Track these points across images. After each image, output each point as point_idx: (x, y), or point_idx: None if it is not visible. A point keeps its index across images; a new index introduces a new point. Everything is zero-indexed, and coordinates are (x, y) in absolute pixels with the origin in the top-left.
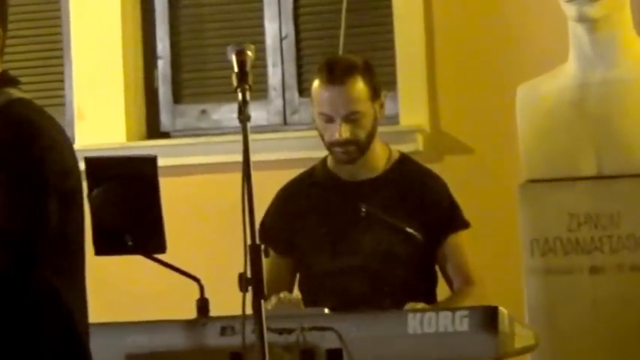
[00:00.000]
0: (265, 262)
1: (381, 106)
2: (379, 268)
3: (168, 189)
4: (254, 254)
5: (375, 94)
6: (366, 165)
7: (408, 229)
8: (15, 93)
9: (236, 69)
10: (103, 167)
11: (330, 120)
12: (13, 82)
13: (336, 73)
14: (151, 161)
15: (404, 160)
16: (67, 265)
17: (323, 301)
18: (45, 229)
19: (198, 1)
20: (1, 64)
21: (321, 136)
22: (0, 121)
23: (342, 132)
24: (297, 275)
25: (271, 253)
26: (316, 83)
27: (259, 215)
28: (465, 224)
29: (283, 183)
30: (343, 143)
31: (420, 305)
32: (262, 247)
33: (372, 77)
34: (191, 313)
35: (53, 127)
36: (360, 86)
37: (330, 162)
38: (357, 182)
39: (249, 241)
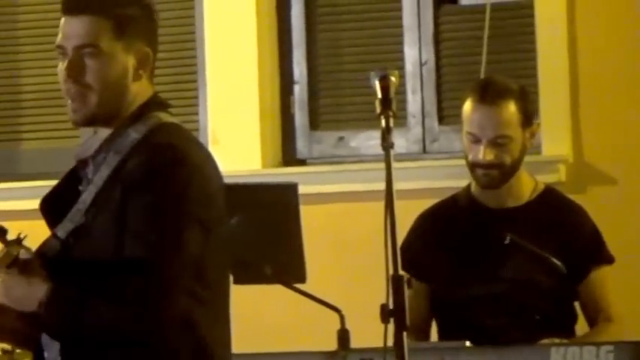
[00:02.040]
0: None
1: (532, 134)
2: (520, 298)
3: (305, 217)
4: (396, 285)
5: (526, 121)
6: (511, 193)
7: (553, 259)
8: (164, 117)
9: (379, 95)
10: (241, 194)
11: (476, 140)
12: (163, 105)
13: (489, 93)
14: (292, 188)
15: (549, 191)
16: (206, 296)
17: (460, 330)
18: (183, 257)
19: (337, 26)
20: (152, 87)
21: (466, 157)
22: (146, 145)
23: (486, 154)
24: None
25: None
26: (468, 101)
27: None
28: (609, 259)
29: (420, 213)
30: (486, 166)
31: (558, 340)
32: (405, 277)
33: (526, 103)
34: (330, 345)
35: (199, 153)
36: (511, 110)
37: (474, 188)
38: (501, 210)
39: (391, 271)
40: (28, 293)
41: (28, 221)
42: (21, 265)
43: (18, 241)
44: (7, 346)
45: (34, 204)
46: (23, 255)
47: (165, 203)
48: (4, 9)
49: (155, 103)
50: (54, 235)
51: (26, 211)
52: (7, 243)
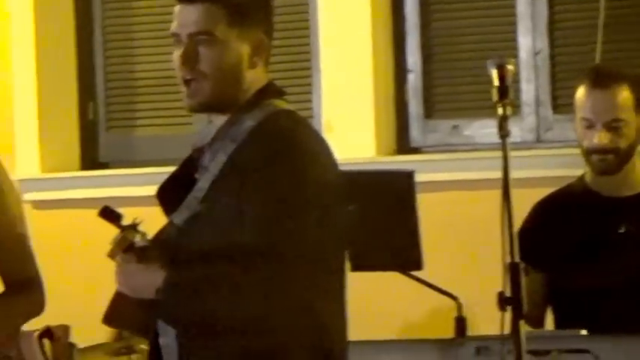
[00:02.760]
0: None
1: None
2: (635, 287)
3: (419, 205)
4: (514, 273)
5: None
6: (626, 181)
7: None
8: (279, 104)
9: (496, 83)
10: (358, 181)
11: (590, 125)
12: (278, 93)
13: (603, 77)
14: (409, 176)
15: None
16: (325, 283)
17: (575, 319)
18: (301, 245)
19: (451, 14)
20: (267, 74)
21: (580, 145)
22: (262, 132)
23: (602, 138)
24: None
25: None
26: (581, 88)
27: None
28: None
29: (534, 202)
30: (602, 150)
31: None
32: (522, 265)
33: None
34: (447, 332)
35: (315, 140)
36: (625, 94)
37: (588, 177)
38: (616, 199)
39: (508, 259)
40: (146, 281)
41: (143, 208)
42: (138, 252)
43: (133, 226)
44: (122, 333)
45: (149, 190)
46: (139, 240)
47: (282, 190)
48: None
49: (270, 91)
50: (170, 223)
51: (141, 197)
52: (122, 228)
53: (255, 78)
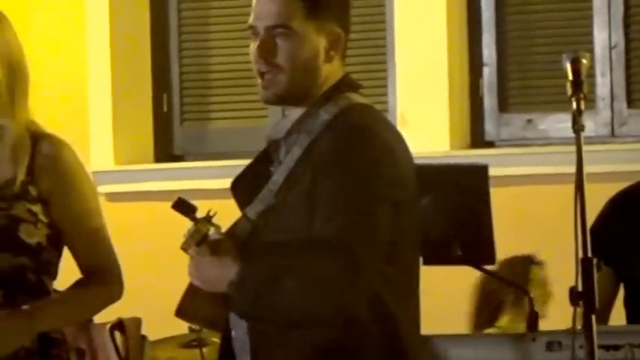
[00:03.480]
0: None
1: None
2: None
3: (492, 199)
4: (586, 268)
5: None
6: None
7: None
8: (355, 98)
9: (570, 77)
10: (431, 175)
11: None
12: (354, 86)
13: None
14: (483, 170)
15: None
16: (399, 277)
17: None
18: (375, 238)
19: (526, 8)
20: (343, 68)
21: None
22: (337, 126)
23: None
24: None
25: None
26: None
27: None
28: None
29: (608, 196)
30: None
31: None
32: (595, 260)
33: None
34: None
35: (390, 134)
36: None
37: None
38: None
39: (581, 254)
40: (219, 274)
41: (217, 200)
42: (212, 245)
43: (207, 219)
44: (193, 326)
45: (223, 183)
46: (213, 233)
47: (356, 184)
48: None
49: (346, 85)
50: (244, 216)
51: (215, 190)
52: (196, 220)
53: (331, 71)
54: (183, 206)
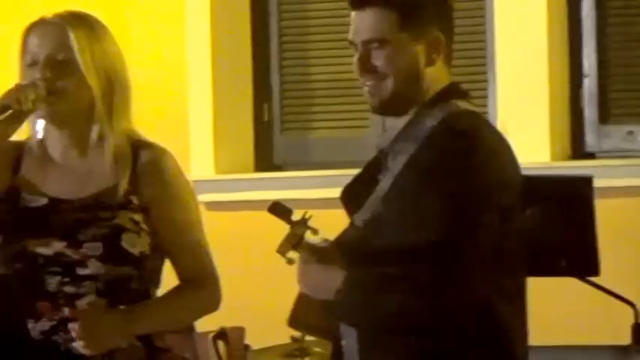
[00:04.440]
0: None
1: None
2: None
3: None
4: None
5: None
6: None
7: None
8: (462, 105)
9: None
10: (535, 186)
11: None
12: (462, 94)
13: None
14: (587, 181)
15: None
16: (505, 285)
17: None
18: (480, 245)
19: (629, 19)
20: (449, 76)
21: None
22: (442, 132)
23: None
24: None
25: None
26: None
27: None
28: None
29: None
30: None
31: None
32: None
33: None
34: (623, 339)
35: (496, 140)
36: None
37: None
38: None
39: None
40: (326, 282)
41: (317, 210)
42: (319, 253)
43: (303, 222)
44: (296, 334)
45: (323, 193)
46: (310, 237)
47: (461, 190)
48: None
49: (453, 91)
50: (352, 224)
51: (315, 199)
52: (292, 223)
53: (435, 77)
54: (279, 209)
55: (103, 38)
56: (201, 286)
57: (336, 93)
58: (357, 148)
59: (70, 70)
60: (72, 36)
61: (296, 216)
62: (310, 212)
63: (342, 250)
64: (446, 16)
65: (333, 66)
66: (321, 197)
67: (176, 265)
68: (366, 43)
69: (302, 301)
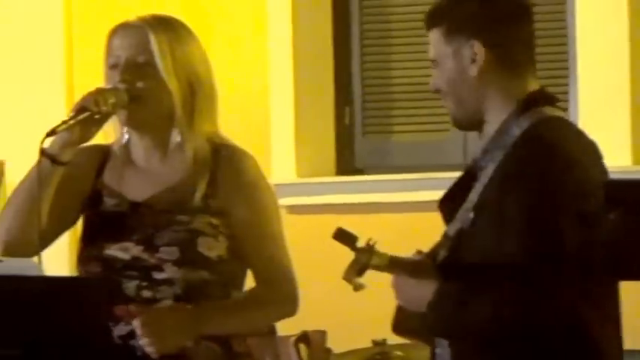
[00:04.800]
0: None
1: None
2: None
3: None
4: None
5: None
6: None
7: None
8: (550, 111)
9: None
10: (619, 189)
11: None
12: (549, 99)
13: None
14: None
15: None
16: (593, 291)
17: None
18: (564, 252)
19: None
20: (530, 82)
21: None
22: (526, 140)
23: None
24: None
25: None
26: None
27: None
28: None
29: None
30: None
31: None
32: None
33: None
34: None
35: (580, 146)
36: None
37: None
38: None
39: None
40: (419, 294)
41: (398, 214)
42: (411, 266)
43: (368, 248)
44: (377, 337)
45: (404, 196)
46: (375, 262)
47: (540, 198)
48: (382, 1)
49: (539, 98)
50: (445, 234)
51: (397, 203)
52: (357, 250)
53: (502, 86)
54: (343, 236)
55: (185, 42)
56: (276, 287)
57: (417, 96)
58: (438, 151)
59: (150, 73)
60: (153, 39)
61: (361, 242)
62: (392, 216)
63: (434, 262)
64: (489, 27)
65: (414, 69)
66: (401, 201)
67: (252, 266)
68: (432, 62)
69: (402, 307)
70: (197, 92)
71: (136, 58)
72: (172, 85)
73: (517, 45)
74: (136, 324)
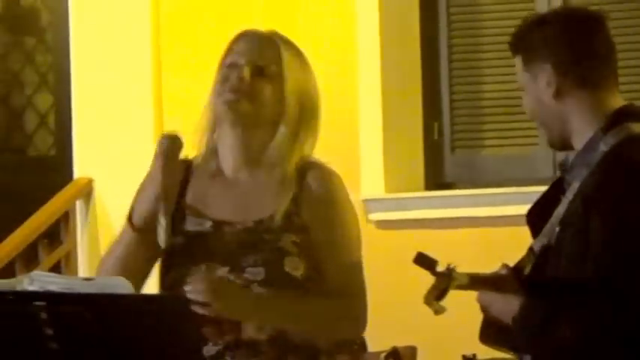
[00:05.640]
0: None
1: None
2: None
3: None
4: None
5: None
6: None
7: None
8: (636, 128)
9: None
10: None
11: None
12: (638, 116)
13: None
14: None
15: None
16: None
17: None
18: None
19: None
20: (614, 99)
21: None
22: (610, 159)
23: None
24: None
25: None
26: None
27: None
28: None
29: None
30: None
31: None
32: None
33: None
34: None
35: None
36: None
37: None
38: None
39: None
40: (503, 309)
41: (488, 228)
42: (496, 281)
43: (447, 273)
44: (467, 352)
45: (494, 211)
46: (455, 283)
47: (622, 222)
48: (470, 16)
49: (627, 114)
50: (530, 249)
51: (485, 217)
52: (437, 274)
53: (584, 106)
54: (423, 261)
55: (306, 65)
56: (342, 295)
57: (505, 111)
58: (527, 165)
59: (273, 83)
60: (285, 53)
61: (441, 266)
62: (481, 231)
63: (519, 277)
64: (559, 46)
65: (503, 84)
66: (491, 215)
67: (324, 277)
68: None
69: (488, 319)
70: (306, 116)
71: (264, 65)
72: (290, 101)
73: (592, 60)
74: (190, 288)
